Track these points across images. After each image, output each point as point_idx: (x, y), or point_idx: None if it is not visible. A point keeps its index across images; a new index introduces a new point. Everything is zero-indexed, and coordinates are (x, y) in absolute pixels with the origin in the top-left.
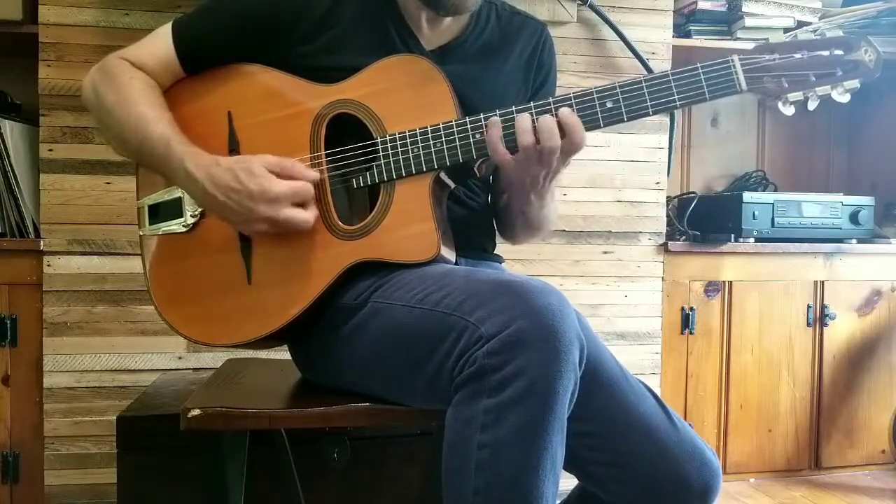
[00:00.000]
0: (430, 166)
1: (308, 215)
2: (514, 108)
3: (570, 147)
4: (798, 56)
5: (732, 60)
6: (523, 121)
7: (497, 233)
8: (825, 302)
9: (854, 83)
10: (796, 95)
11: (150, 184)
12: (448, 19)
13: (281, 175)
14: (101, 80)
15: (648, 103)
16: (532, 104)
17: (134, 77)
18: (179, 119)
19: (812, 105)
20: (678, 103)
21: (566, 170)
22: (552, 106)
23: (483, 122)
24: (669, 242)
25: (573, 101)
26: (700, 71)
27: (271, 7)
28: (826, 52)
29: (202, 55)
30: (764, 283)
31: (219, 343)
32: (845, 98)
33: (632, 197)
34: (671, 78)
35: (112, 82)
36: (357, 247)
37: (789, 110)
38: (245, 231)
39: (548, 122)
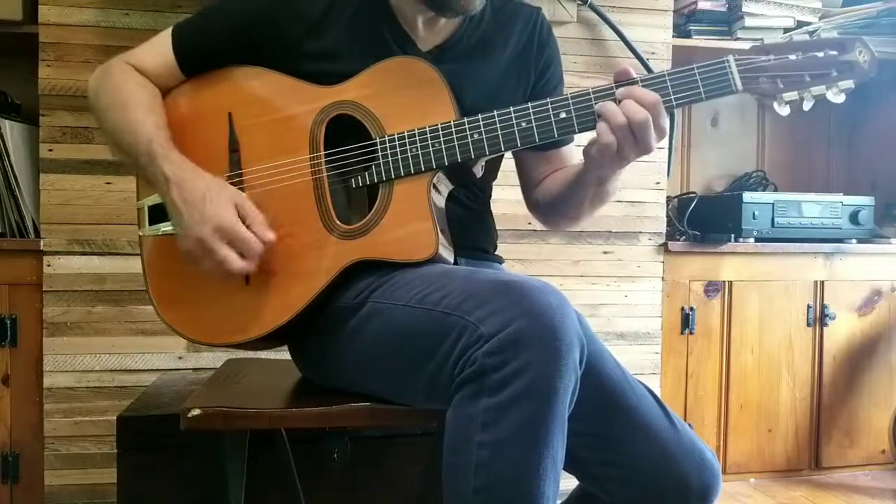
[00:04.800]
0: (428, 166)
1: (238, 263)
2: (511, 109)
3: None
4: (793, 57)
5: (728, 61)
6: (609, 105)
7: (548, 220)
8: (825, 302)
9: (849, 83)
10: (791, 96)
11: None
12: (444, 18)
13: (241, 219)
14: (100, 82)
15: None
16: (530, 105)
17: (129, 79)
18: (181, 120)
19: (807, 105)
20: (674, 103)
21: None
22: (550, 106)
23: (481, 124)
24: (669, 242)
25: (570, 101)
26: (696, 71)
27: (268, 12)
28: (821, 53)
29: (200, 59)
30: (764, 283)
31: (218, 343)
32: (840, 98)
33: (632, 197)
34: (667, 78)
35: (108, 84)
36: (355, 246)
37: (784, 110)
38: (181, 245)
39: (627, 103)
